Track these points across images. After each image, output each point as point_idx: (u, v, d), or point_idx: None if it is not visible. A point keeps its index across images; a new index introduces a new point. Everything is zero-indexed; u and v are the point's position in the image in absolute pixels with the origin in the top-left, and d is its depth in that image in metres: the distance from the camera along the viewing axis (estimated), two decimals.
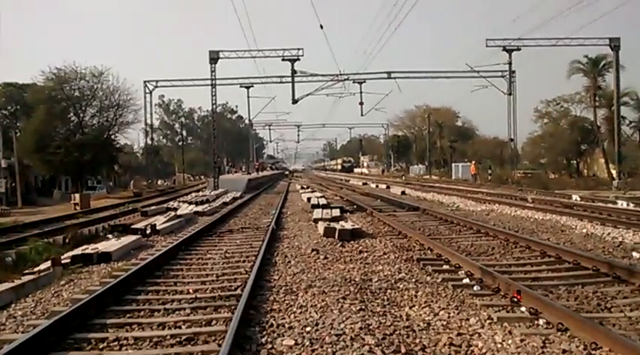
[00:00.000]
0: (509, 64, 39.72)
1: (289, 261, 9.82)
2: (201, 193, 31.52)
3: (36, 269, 9.41)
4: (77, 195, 27.67)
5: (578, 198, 23.17)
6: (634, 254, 9.91)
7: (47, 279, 8.74)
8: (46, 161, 39.99)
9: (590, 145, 54.84)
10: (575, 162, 58.21)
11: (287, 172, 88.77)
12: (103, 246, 11.23)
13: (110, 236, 13.97)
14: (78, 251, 10.82)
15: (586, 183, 40.14)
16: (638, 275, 7.42)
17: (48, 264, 9.58)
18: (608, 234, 12.51)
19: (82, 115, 44.37)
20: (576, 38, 37.95)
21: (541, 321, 5.83)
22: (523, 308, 6.26)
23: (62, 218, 20.33)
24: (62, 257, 10.28)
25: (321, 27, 27.52)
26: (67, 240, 13.37)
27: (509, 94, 41.48)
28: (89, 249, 10.93)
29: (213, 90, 37.28)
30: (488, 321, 5.92)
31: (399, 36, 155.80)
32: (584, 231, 13.21)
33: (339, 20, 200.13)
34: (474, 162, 50.96)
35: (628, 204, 19.78)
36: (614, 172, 40.38)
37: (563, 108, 58.38)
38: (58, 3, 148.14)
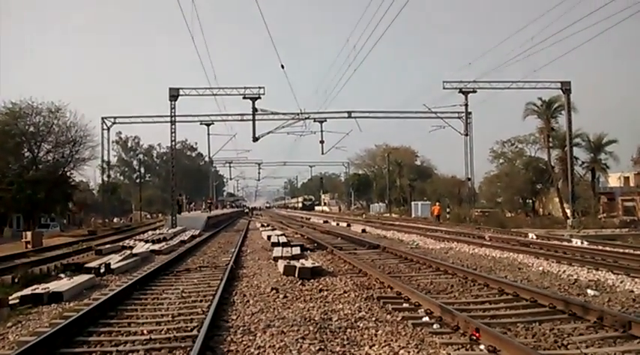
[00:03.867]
0: (466, 105, 40.72)
1: (248, 301, 9.64)
2: (158, 231, 30.92)
3: None
4: (29, 233, 26.77)
5: (534, 237, 23.62)
6: (589, 291, 10.10)
7: None
8: None
9: (545, 185, 56.23)
10: (530, 201, 59.52)
11: (247, 210, 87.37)
12: (54, 286, 10.84)
13: (62, 275, 13.51)
14: (27, 291, 10.40)
15: (541, 222, 41.01)
16: (593, 312, 7.54)
17: None
18: (564, 271, 12.76)
19: (36, 151, 43.38)
20: (529, 81, 39.15)
21: None
22: (482, 346, 6.26)
23: (12, 256, 19.58)
24: (10, 297, 9.87)
25: (282, 66, 27.84)
26: (16, 280, 12.84)
27: (466, 135, 42.42)
28: (39, 288, 10.52)
29: (173, 127, 36.94)
30: None
31: (359, 77, 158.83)
32: (541, 268, 13.43)
33: (300, 60, 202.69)
34: (438, 204, 51.48)
35: (582, 243, 20.25)
36: (568, 211, 41.41)
37: (518, 148, 60.01)
38: (13, 39, 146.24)
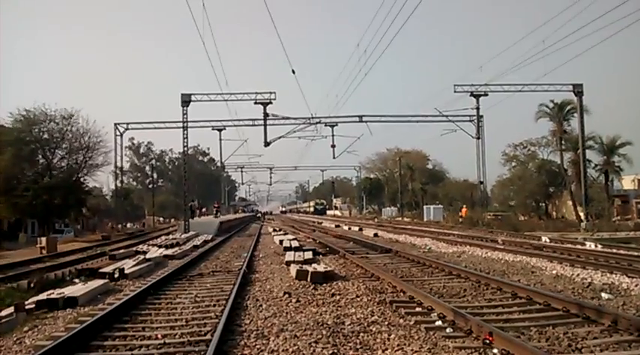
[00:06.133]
0: (477, 109, 40.57)
1: (261, 305, 9.67)
2: (171, 236, 31.05)
3: None
4: (44, 239, 27.03)
5: (548, 240, 23.48)
6: (603, 294, 10.03)
7: (9, 325, 8.45)
8: (12, 204, 39.14)
9: (558, 188, 55.92)
10: (543, 204, 59.19)
11: (258, 215, 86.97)
12: (69, 291, 10.93)
13: (77, 280, 13.63)
14: (43, 296, 10.50)
15: (555, 225, 40.74)
16: (607, 315, 7.50)
17: (11, 309, 9.26)
18: (578, 275, 12.67)
19: (50, 157, 43.83)
20: (541, 84, 38.86)
21: None
22: (495, 350, 6.25)
23: (27, 262, 19.81)
24: (26, 302, 9.96)
25: (293, 72, 27.85)
26: (31, 285, 12.98)
27: (478, 138, 42.24)
28: (55, 293, 10.62)
29: (185, 132, 37.17)
30: None
31: (370, 80, 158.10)
32: (554, 272, 13.36)
33: (311, 65, 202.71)
34: (464, 207, 51.55)
35: (596, 246, 20.12)
36: (581, 214, 41.09)
37: (530, 151, 59.76)
38: (28, 46, 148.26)
